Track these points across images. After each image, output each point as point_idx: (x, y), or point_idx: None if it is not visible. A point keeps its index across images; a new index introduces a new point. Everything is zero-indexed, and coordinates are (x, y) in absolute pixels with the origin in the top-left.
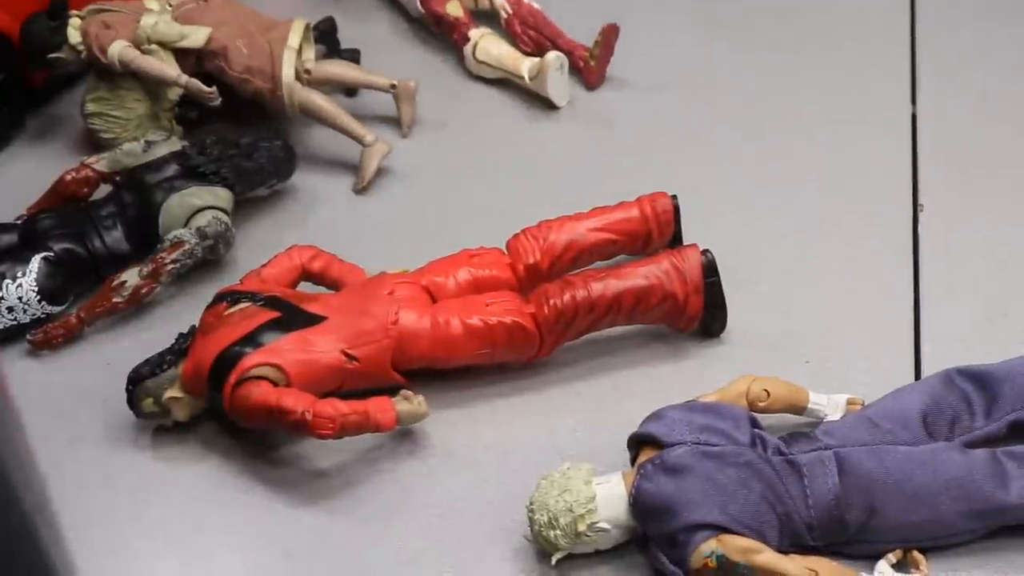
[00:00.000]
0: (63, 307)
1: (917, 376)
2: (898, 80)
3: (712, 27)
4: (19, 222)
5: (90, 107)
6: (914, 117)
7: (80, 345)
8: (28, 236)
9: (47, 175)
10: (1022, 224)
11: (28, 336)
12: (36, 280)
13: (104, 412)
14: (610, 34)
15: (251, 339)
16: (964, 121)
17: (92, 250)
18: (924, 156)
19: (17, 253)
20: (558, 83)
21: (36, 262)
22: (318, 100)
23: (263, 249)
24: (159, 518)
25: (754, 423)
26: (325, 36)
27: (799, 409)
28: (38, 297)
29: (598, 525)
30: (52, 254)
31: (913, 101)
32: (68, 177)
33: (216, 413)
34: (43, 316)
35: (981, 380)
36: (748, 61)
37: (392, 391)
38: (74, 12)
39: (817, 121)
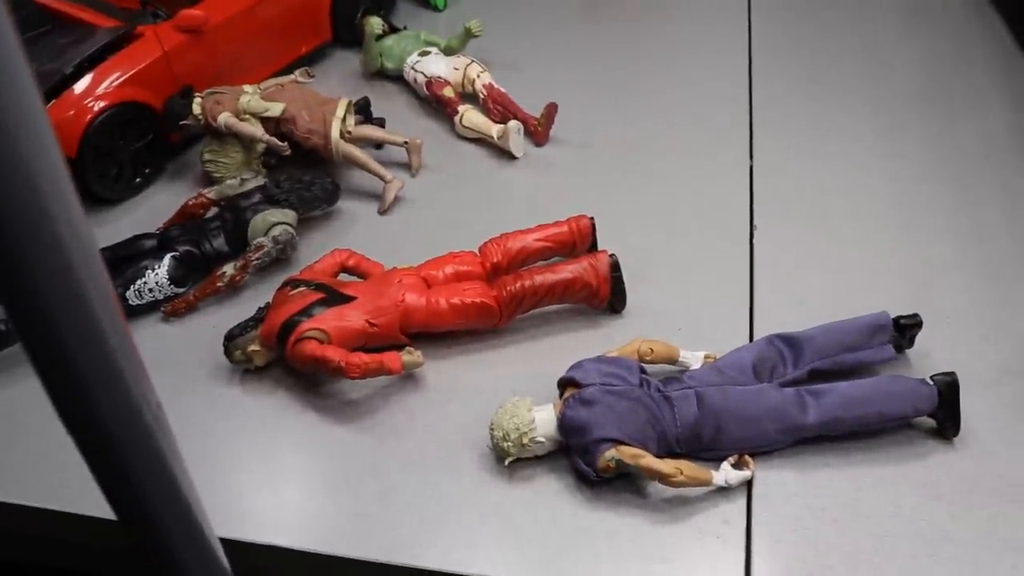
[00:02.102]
0: (184, 289)
1: (750, 339)
2: (740, 142)
3: (616, 107)
4: (157, 232)
5: (206, 156)
6: (751, 168)
7: (195, 315)
8: (163, 241)
9: (178, 201)
10: (822, 241)
11: (161, 308)
12: (167, 271)
13: (210, 359)
14: (551, 109)
15: (305, 311)
16: (783, 172)
17: (204, 251)
18: (757, 194)
19: (155, 253)
20: (517, 142)
21: (167, 259)
22: (355, 151)
23: (316, 251)
24: (244, 431)
25: (642, 371)
26: (362, 109)
27: (672, 361)
28: (168, 282)
29: (536, 439)
30: (178, 253)
31: (751, 157)
32: (190, 202)
33: (282, 361)
34: (172, 295)
35: (791, 342)
36: (643, 129)
37: (400, 348)
38: (197, 93)
39: (688, 171)
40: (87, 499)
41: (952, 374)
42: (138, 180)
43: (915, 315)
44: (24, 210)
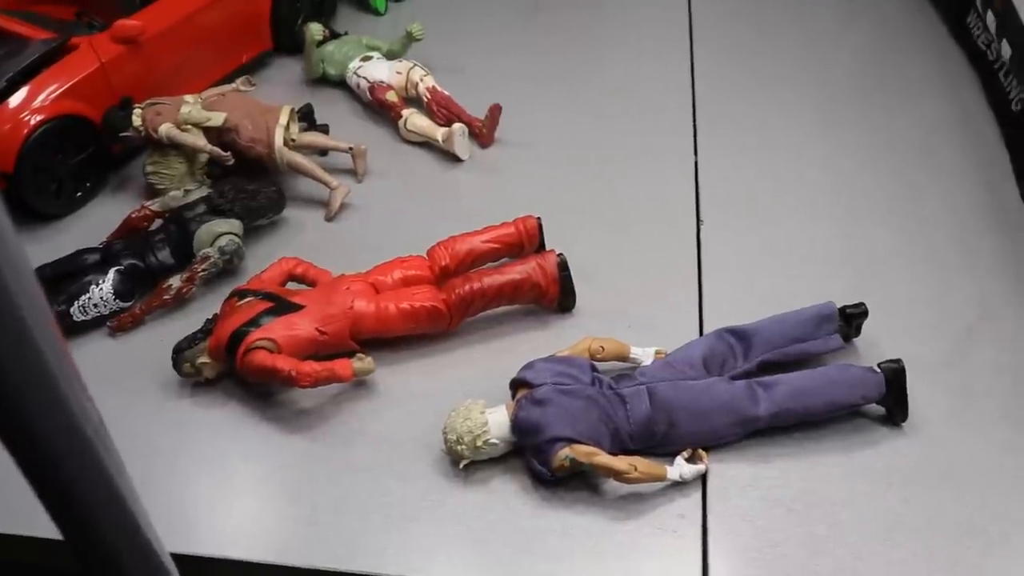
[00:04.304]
0: (130, 303)
1: (700, 333)
2: (684, 138)
3: (560, 106)
4: (101, 246)
5: (148, 168)
6: (696, 163)
7: (142, 329)
8: (106, 256)
9: (121, 214)
10: (767, 235)
11: (108, 323)
12: (112, 285)
13: (159, 373)
14: (495, 111)
15: (254, 322)
16: (728, 166)
17: (149, 264)
18: (703, 189)
19: (99, 267)
20: (462, 144)
21: (112, 273)
22: (299, 159)
23: (263, 260)
24: (196, 444)
25: (594, 369)
26: (305, 116)
27: (624, 358)
28: (113, 296)
29: (490, 441)
30: (122, 267)
31: (695, 152)
32: (134, 215)
33: (232, 373)
34: (117, 309)
35: (740, 335)
36: (588, 128)
37: (350, 354)
38: (136, 104)
39: (633, 168)
40: (35, 520)
41: (899, 361)
42: (79, 194)
43: (860, 304)
44: None
